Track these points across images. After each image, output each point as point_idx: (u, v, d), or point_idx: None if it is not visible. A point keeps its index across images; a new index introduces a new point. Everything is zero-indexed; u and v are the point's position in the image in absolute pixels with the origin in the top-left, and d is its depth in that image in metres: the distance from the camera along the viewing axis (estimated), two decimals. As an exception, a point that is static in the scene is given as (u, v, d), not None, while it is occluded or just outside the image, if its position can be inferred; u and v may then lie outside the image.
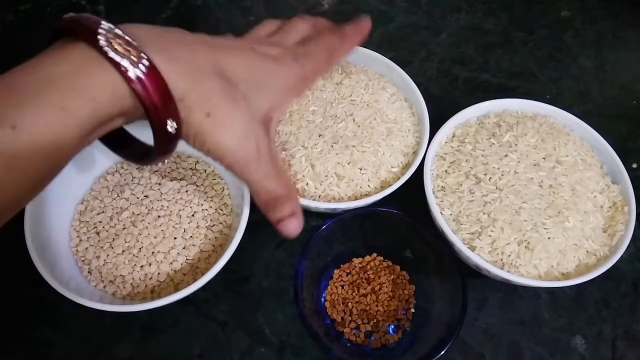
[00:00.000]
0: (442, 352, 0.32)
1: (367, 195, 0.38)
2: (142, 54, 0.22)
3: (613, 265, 0.35)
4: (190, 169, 0.42)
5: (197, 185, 0.41)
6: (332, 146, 0.37)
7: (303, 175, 0.37)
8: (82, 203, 0.40)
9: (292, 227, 0.31)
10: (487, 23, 0.58)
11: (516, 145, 0.39)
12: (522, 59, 0.55)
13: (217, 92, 0.26)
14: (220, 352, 0.38)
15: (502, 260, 0.36)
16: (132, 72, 0.22)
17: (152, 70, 0.23)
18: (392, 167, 0.39)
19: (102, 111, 0.23)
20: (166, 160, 0.30)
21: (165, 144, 0.26)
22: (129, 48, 0.22)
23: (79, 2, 0.56)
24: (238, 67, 0.28)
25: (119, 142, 0.30)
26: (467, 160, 0.39)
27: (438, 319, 0.36)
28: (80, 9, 0.55)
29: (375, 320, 0.38)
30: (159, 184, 0.41)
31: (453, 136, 0.42)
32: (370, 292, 0.39)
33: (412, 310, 0.39)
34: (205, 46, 0.27)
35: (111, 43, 0.22)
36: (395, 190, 0.37)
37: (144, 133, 0.29)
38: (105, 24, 0.22)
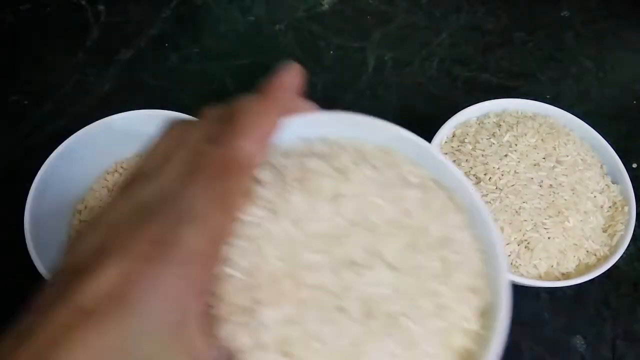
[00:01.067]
0: (442, 352, 0.32)
1: None
2: None
3: (613, 265, 0.35)
4: (190, 168, 0.42)
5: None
6: (369, 326, 0.18)
7: None
8: (82, 203, 0.40)
9: None
10: (487, 23, 0.58)
11: (516, 145, 0.39)
12: (522, 59, 0.55)
13: None
14: (220, 352, 0.38)
15: (502, 260, 0.36)
16: None
17: None
18: (464, 323, 0.20)
19: None
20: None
21: None
22: None
23: (79, 2, 0.56)
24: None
25: None
26: (467, 160, 0.39)
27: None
28: (80, 9, 0.55)
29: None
30: (159, 184, 0.41)
31: (453, 136, 0.42)
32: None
33: (412, 310, 0.39)
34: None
35: None
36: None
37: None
38: None
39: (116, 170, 0.42)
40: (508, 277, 0.21)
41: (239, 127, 0.19)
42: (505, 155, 0.39)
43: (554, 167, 0.38)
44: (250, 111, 0.19)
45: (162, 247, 0.16)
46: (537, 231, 0.36)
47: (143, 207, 0.17)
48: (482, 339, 0.21)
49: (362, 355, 0.18)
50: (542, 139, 0.40)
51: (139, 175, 0.19)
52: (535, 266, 0.35)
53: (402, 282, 0.20)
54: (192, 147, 0.19)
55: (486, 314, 0.21)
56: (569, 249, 0.36)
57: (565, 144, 0.40)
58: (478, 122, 0.42)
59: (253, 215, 0.19)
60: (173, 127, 0.21)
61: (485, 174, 0.38)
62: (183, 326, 0.17)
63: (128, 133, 0.40)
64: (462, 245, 0.22)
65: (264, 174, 0.20)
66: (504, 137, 0.40)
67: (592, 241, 0.37)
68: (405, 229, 0.21)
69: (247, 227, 0.19)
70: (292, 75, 0.21)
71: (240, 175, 0.18)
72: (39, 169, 0.36)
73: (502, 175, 0.38)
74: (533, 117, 0.42)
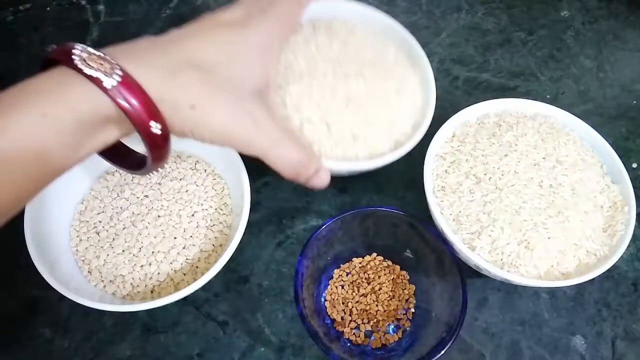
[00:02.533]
0: (442, 352, 0.32)
1: (382, 155, 0.37)
2: (115, 65, 0.25)
3: (613, 265, 0.35)
4: (190, 168, 0.42)
5: (197, 185, 0.41)
6: (347, 106, 0.36)
7: (319, 137, 0.36)
8: (82, 203, 0.40)
9: (319, 181, 0.33)
10: (487, 23, 0.58)
11: (516, 145, 0.39)
12: (522, 59, 0.55)
13: (194, 82, 0.27)
14: (220, 352, 0.38)
15: (502, 260, 0.36)
16: (107, 82, 0.24)
17: (126, 77, 0.25)
18: (403, 127, 0.39)
19: (85, 120, 0.24)
20: (160, 169, 0.32)
21: (155, 148, 0.27)
22: (102, 62, 0.24)
23: (79, 2, 0.56)
24: (207, 52, 0.29)
25: (116, 153, 0.32)
26: (467, 160, 0.39)
27: (438, 319, 0.36)
28: (80, 9, 0.55)
29: (375, 320, 0.38)
30: (159, 184, 0.41)
31: (453, 136, 0.42)
32: (370, 292, 0.39)
33: (412, 310, 0.39)
34: (173, 43, 0.28)
35: (85, 60, 0.24)
36: (395, 190, 0.37)
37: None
38: (79, 46, 0.25)
39: (116, 170, 0.42)
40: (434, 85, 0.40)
41: None
42: (505, 155, 0.39)
43: (554, 167, 0.38)
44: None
45: (268, 7, 0.32)
46: (537, 231, 0.36)
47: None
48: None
49: (342, 119, 0.36)
50: (542, 139, 0.40)
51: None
52: (535, 266, 0.35)
53: (373, 90, 0.37)
54: None
55: (417, 126, 0.39)
56: (569, 249, 0.36)
57: (565, 144, 0.40)
58: (478, 122, 0.42)
59: (296, 41, 0.38)
60: None
61: (485, 174, 0.38)
62: (267, 52, 0.32)
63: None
64: (410, 84, 0.40)
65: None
66: (504, 137, 0.40)
67: (592, 241, 0.37)
68: (380, 65, 0.39)
69: (292, 46, 0.38)
70: None
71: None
72: (39, 169, 0.36)
73: (502, 175, 0.38)
74: (533, 117, 0.42)
